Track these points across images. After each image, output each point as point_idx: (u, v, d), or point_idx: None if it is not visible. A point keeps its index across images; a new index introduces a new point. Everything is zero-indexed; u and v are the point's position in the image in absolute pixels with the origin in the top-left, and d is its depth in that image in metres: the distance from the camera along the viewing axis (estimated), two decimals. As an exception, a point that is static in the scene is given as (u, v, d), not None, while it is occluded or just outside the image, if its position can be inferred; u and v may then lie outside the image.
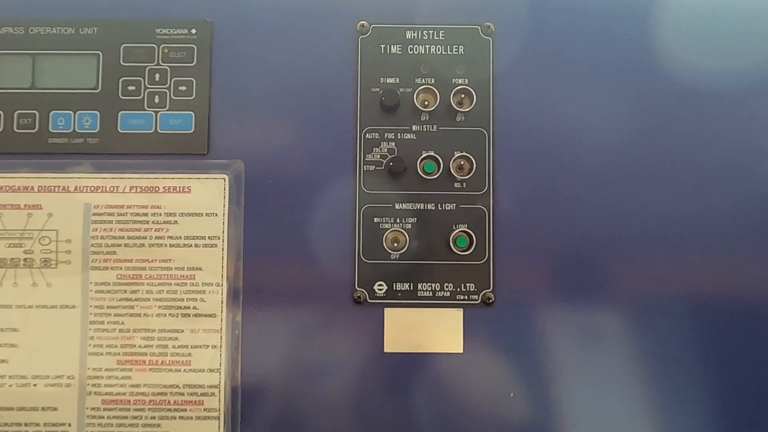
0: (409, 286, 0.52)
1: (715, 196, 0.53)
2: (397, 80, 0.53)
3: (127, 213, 0.52)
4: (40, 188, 0.52)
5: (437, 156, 0.52)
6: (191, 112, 0.53)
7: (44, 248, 0.52)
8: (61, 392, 0.51)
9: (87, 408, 0.51)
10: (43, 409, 0.51)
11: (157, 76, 0.53)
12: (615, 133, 0.53)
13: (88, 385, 0.51)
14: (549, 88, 0.54)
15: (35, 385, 0.51)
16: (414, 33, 0.54)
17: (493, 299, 0.52)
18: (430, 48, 0.54)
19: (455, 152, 0.53)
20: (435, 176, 0.52)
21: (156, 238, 0.52)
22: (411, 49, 0.54)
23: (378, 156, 0.53)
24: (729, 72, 0.54)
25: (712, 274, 0.53)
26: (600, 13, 0.54)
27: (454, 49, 0.54)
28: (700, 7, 0.55)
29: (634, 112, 0.54)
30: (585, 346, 0.52)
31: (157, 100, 0.53)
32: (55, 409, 0.51)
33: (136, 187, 0.52)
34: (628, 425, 0.52)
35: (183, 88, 0.53)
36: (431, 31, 0.54)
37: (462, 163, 0.53)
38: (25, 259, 0.52)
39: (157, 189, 0.52)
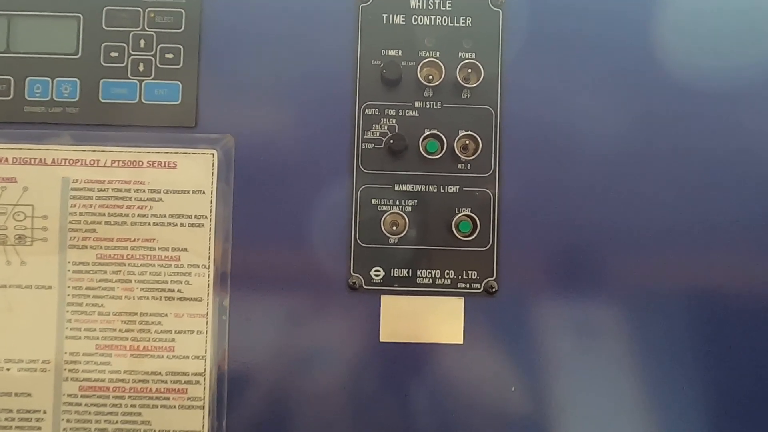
0: (408, 273, 0.49)
1: (722, 191, 0.51)
2: (400, 52, 0.50)
3: (108, 188, 0.49)
4: (14, 160, 0.49)
5: (441, 134, 0.49)
6: (178, 82, 0.50)
7: (19, 224, 0.49)
8: (36, 377, 0.48)
9: (63, 395, 0.48)
10: (16, 394, 0.48)
11: (142, 42, 0.50)
12: (626, 121, 0.51)
13: (65, 370, 0.48)
14: (561, 65, 0.51)
15: (8, 369, 0.48)
16: (419, 2, 0.51)
17: (496, 288, 0.49)
18: (435, 19, 0.51)
19: (460, 131, 0.50)
20: (438, 156, 0.49)
21: (139, 215, 0.49)
22: (415, 20, 0.50)
23: (377, 133, 0.50)
24: (740, 67, 0.51)
25: (720, 267, 0.51)
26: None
27: (462, 21, 0.51)
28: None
29: (648, 99, 0.51)
30: (589, 339, 0.50)
31: (141, 68, 0.50)
32: (29, 395, 0.48)
33: (119, 161, 0.49)
34: (630, 417, 0.50)
35: (170, 55, 0.50)
36: (437, 1, 0.51)
37: (467, 142, 0.50)
38: (-2, 236, 0.48)
39: (140, 163, 0.49)
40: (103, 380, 0.48)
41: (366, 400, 0.49)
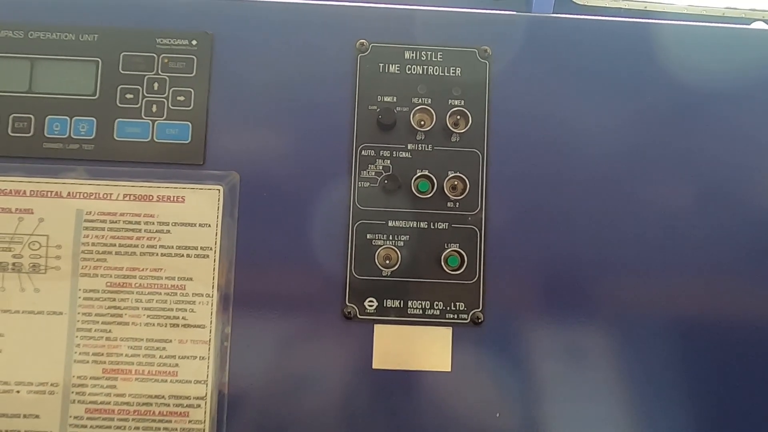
0: (400, 304, 0.52)
1: (706, 218, 0.54)
2: (395, 99, 0.54)
3: (119, 221, 0.52)
4: (32, 192, 0.52)
5: (431, 175, 0.53)
6: (188, 123, 0.53)
7: (34, 253, 0.51)
8: (44, 400, 0.50)
9: (70, 417, 0.50)
10: (25, 416, 0.50)
11: (156, 85, 0.53)
12: (608, 158, 0.54)
13: (72, 393, 0.50)
14: (544, 113, 0.54)
15: (18, 391, 0.50)
16: (412, 53, 0.55)
17: (482, 319, 0.52)
18: (427, 69, 0.54)
19: (449, 172, 0.53)
20: (429, 195, 0.53)
21: (148, 246, 0.52)
22: (409, 69, 0.54)
23: (373, 173, 0.53)
24: (720, 89, 0.55)
25: (708, 294, 0.53)
26: (595, 39, 0.56)
27: (452, 71, 0.55)
28: (688, 33, 0.56)
29: (629, 138, 0.55)
30: (574, 367, 0.53)
31: (154, 109, 0.53)
32: (37, 416, 0.50)
33: (130, 195, 0.52)
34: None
35: (181, 98, 0.53)
36: (429, 52, 0.55)
37: (456, 183, 0.53)
38: (13, 264, 0.51)
39: (150, 198, 0.52)
40: (108, 403, 0.50)
41: (359, 424, 0.51)
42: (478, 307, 0.52)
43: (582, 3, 0.98)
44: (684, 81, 0.55)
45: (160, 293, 0.51)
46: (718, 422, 0.53)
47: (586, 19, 0.57)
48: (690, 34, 0.56)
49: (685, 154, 0.55)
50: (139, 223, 0.52)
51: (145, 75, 0.53)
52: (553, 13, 0.95)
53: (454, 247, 0.53)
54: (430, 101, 0.54)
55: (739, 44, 0.56)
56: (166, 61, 0.54)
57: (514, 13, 0.56)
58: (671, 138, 0.55)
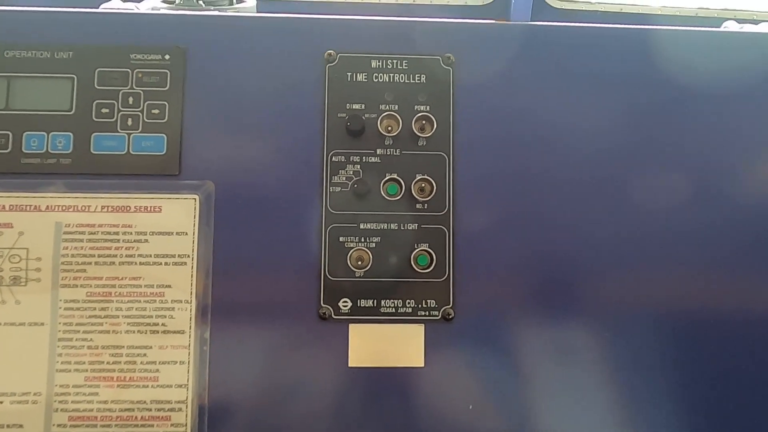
0: (373, 303, 0.54)
1: (681, 212, 0.56)
2: (363, 106, 0.56)
3: (98, 232, 0.53)
4: (11, 207, 0.53)
5: (400, 179, 0.55)
6: (163, 135, 0.55)
7: (14, 266, 0.52)
8: (28, 409, 0.51)
9: (53, 425, 0.51)
10: (8, 426, 0.51)
11: (131, 99, 0.55)
12: (574, 157, 0.57)
13: (55, 401, 0.51)
14: (505, 116, 0.57)
15: (1, 402, 0.51)
16: (379, 62, 0.57)
17: (452, 315, 0.54)
18: (393, 76, 0.57)
19: (417, 175, 0.55)
20: (398, 198, 0.55)
21: (126, 256, 0.53)
22: (376, 78, 0.56)
23: (344, 178, 0.55)
24: (700, 90, 0.58)
25: (677, 286, 0.55)
26: (557, 45, 0.58)
27: (417, 78, 0.57)
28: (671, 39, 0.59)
29: (595, 137, 0.57)
30: (543, 360, 0.54)
31: (130, 122, 0.55)
32: (20, 426, 0.51)
33: (108, 206, 0.54)
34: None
35: (156, 111, 0.55)
36: (395, 61, 0.57)
37: (423, 185, 0.55)
38: (-6, 277, 0.52)
39: (128, 208, 0.54)
40: (91, 410, 0.51)
41: (338, 421, 0.53)
42: (449, 304, 0.54)
43: (559, 7, 1.02)
44: (656, 83, 0.57)
45: (140, 301, 0.53)
46: (704, 419, 0.54)
47: (545, 25, 0.60)
48: (664, 38, 0.58)
49: (660, 154, 0.57)
50: (117, 233, 0.53)
51: (119, 90, 0.55)
52: (531, 18, 0.98)
53: (424, 246, 0.54)
54: (396, 107, 0.56)
55: (716, 46, 0.58)
56: (140, 75, 0.55)
57: (475, 21, 0.59)
58: (642, 138, 0.57)
